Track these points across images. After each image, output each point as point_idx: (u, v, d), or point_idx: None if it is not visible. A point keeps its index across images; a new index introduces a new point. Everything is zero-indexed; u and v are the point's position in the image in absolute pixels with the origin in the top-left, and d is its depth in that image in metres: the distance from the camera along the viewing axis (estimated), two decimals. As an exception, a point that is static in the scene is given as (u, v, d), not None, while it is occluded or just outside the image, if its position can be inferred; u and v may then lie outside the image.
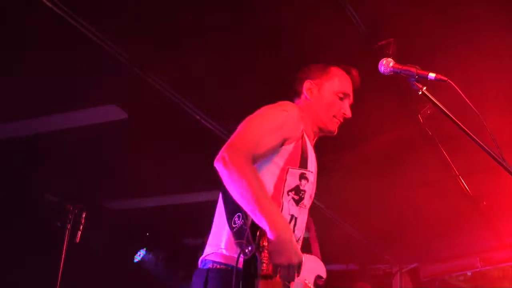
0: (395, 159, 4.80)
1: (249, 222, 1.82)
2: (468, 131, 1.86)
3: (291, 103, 2.26)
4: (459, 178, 5.08)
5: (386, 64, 2.05)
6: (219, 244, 2.03)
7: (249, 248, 1.74)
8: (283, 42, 3.43)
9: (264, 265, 1.72)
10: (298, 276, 1.85)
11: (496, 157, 1.85)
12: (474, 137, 1.86)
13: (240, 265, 1.74)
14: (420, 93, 1.94)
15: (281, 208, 2.06)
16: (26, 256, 5.59)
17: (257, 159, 2.00)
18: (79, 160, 5.11)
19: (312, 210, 5.62)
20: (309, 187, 2.20)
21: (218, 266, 1.98)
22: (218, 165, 1.93)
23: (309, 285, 2.15)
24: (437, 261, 7.26)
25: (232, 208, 1.93)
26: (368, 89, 3.81)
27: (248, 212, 1.83)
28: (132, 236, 6.92)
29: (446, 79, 1.87)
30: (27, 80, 3.83)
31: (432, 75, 1.91)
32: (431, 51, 3.38)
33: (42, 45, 3.43)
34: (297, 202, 2.14)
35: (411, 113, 4.03)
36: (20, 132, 4.55)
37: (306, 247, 2.30)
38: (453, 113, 1.89)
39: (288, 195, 2.10)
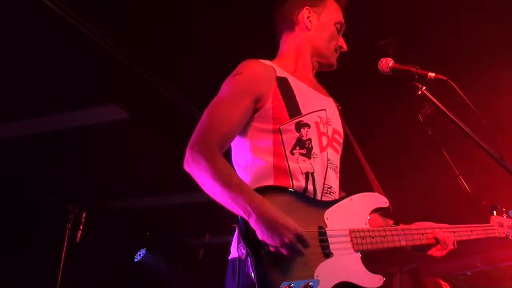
0: (395, 159, 4.80)
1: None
2: (468, 131, 1.86)
3: (246, 61, 1.92)
4: (459, 178, 5.08)
5: (386, 64, 2.05)
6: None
7: (241, 245, 1.61)
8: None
9: (258, 258, 1.56)
10: (306, 247, 1.59)
11: (496, 157, 1.85)
12: (474, 137, 1.86)
13: (245, 263, 1.59)
14: (419, 92, 1.94)
15: (289, 173, 1.81)
16: (26, 256, 5.59)
17: (229, 139, 1.83)
18: (79, 160, 5.12)
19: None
20: (313, 132, 1.91)
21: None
22: (185, 168, 1.80)
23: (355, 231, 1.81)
24: (437, 261, 7.25)
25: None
26: (368, 89, 3.84)
27: (221, 203, 1.71)
28: (132, 236, 6.93)
29: (445, 78, 1.87)
30: (27, 80, 3.83)
31: (431, 74, 1.91)
32: (431, 51, 3.38)
33: (42, 45, 3.43)
34: (307, 155, 1.87)
35: (411, 113, 4.03)
36: (20, 132, 4.55)
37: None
38: (453, 113, 1.89)
39: (293, 154, 1.84)
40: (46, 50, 3.48)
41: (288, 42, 2.10)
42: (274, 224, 1.57)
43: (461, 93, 1.86)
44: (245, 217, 1.61)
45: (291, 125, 1.86)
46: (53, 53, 3.51)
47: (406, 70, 1.98)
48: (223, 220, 6.68)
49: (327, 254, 1.67)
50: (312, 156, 1.89)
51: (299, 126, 1.88)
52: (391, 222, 2.08)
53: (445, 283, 5.97)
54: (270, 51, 2.10)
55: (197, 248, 6.20)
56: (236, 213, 1.66)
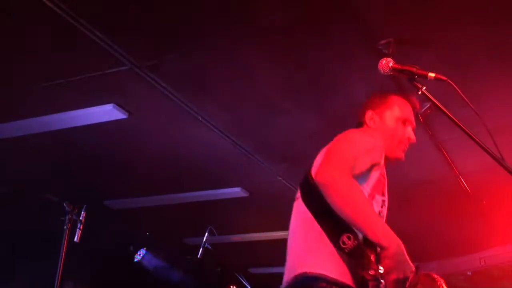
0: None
1: (361, 241, 1.87)
2: (468, 131, 1.86)
3: (377, 131, 2.31)
4: (459, 178, 5.08)
5: (386, 64, 2.05)
6: (320, 265, 1.96)
7: (372, 271, 1.80)
8: (280, 43, 3.42)
9: (384, 283, 1.79)
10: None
11: (496, 157, 1.85)
12: (473, 136, 1.86)
13: (364, 285, 1.81)
14: (420, 93, 1.94)
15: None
16: (26, 255, 5.60)
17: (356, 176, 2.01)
18: (79, 160, 5.12)
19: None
20: (385, 215, 2.20)
21: (327, 286, 1.91)
22: (323, 182, 1.90)
23: None
24: (437, 260, 7.26)
25: (337, 229, 1.92)
26: (368, 89, 3.83)
27: (359, 228, 1.85)
28: (132, 236, 6.93)
29: (445, 79, 1.88)
30: (27, 80, 3.83)
31: (431, 74, 1.91)
32: (430, 50, 3.38)
33: (42, 45, 3.44)
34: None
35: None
36: (20, 132, 4.55)
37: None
38: (453, 112, 1.89)
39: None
40: (46, 50, 3.48)
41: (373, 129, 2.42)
42: (404, 258, 1.82)
43: (460, 93, 1.86)
44: (384, 245, 1.80)
45: (380, 199, 2.16)
46: (53, 53, 3.51)
47: (406, 70, 1.98)
48: (223, 220, 6.69)
49: None
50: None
51: (383, 204, 2.19)
52: None
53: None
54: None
55: (197, 249, 6.21)
56: (371, 239, 1.83)
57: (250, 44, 3.42)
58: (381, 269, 1.78)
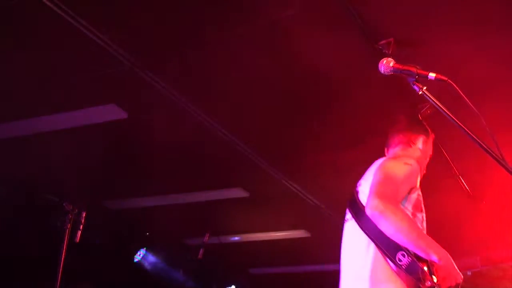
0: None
1: (414, 256, 2.18)
2: (468, 131, 1.86)
3: (411, 156, 2.67)
4: (459, 178, 5.08)
5: (387, 64, 2.04)
6: (385, 283, 2.28)
7: (428, 282, 2.11)
8: (279, 43, 3.42)
9: None
10: None
11: (496, 157, 1.85)
12: (474, 136, 1.86)
13: None
14: (420, 93, 1.93)
15: None
16: (26, 256, 5.59)
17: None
18: (79, 160, 5.11)
19: (313, 210, 5.64)
20: (425, 228, 2.51)
21: None
22: (374, 213, 2.25)
23: None
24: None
25: (392, 248, 2.25)
26: (368, 89, 3.84)
27: (412, 248, 2.18)
28: (132, 236, 6.92)
29: (446, 79, 1.87)
30: (27, 80, 3.83)
31: (432, 75, 1.90)
32: (430, 50, 3.38)
33: (42, 45, 3.44)
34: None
35: (411, 112, 4.03)
36: (20, 132, 4.55)
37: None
38: (453, 113, 1.89)
39: None
40: (46, 50, 3.48)
41: (409, 153, 2.77)
42: (453, 266, 2.18)
43: (461, 93, 1.86)
44: (435, 259, 2.15)
45: (420, 217, 2.49)
46: (53, 52, 3.51)
47: (407, 70, 1.97)
48: (223, 221, 6.69)
49: None
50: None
51: (423, 221, 2.52)
52: None
53: None
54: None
55: (197, 249, 6.22)
56: (423, 256, 2.18)
57: (251, 44, 3.42)
58: (436, 280, 2.10)
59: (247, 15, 3.19)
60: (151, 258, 7.11)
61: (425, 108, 3.90)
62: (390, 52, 3.27)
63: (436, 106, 1.91)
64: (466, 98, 1.86)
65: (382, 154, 4.99)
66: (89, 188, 5.67)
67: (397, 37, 3.29)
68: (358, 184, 2.66)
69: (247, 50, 3.49)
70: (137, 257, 7.02)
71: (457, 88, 1.85)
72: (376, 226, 2.26)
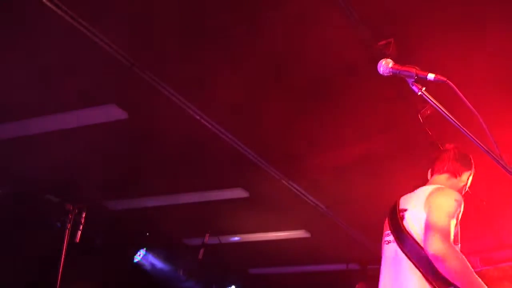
0: (395, 159, 4.80)
1: None
2: (468, 132, 1.86)
3: (456, 188, 2.91)
4: (459, 178, 5.07)
5: (386, 65, 2.04)
6: None
7: None
8: (279, 43, 3.42)
9: None
10: None
11: (495, 157, 1.85)
12: (473, 137, 1.86)
13: None
14: (419, 93, 1.93)
15: None
16: (26, 256, 5.59)
17: None
18: (79, 160, 5.11)
19: (313, 210, 5.65)
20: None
21: None
22: (436, 256, 2.45)
23: None
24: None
25: (441, 281, 2.47)
26: (368, 89, 3.84)
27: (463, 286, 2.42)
28: (132, 236, 6.92)
29: (445, 79, 1.87)
30: (27, 80, 3.83)
31: (431, 75, 1.90)
32: (430, 51, 3.38)
33: (42, 45, 3.44)
34: None
35: (411, 113, 4.03)
36: (20, 132, 4.55)
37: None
38: (452, 113, 1.89)
39: None
40: (46, 50, 3.48)
41: (453, 183, 2.97)
42: None
43: (460, 93, 1.86)
44: None
45: (458, 247, 2.68)
46: (53, 52, 3.50)
47: (406, 70, 1.97)
48: (223, 221, 6.68)
49: None
50: None
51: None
52: None
53: None
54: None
55: (197, 249, 6.21)
56: None
57: (251, 44, 3.42)
58: None
59: (247, 15, 3.19)
60: (151, 258, 7.10)
61: (424, 108, 3.90)
62: (390, 52, 3.27)
63: (435, 106, 1.91)
64: (464, 99, 1.86)
65: (382, 154, 5.01)
66: (89, 188, 5.67)
67: (397, 37, 3.29)
68: (403, 208, 2.82)
69: (247, 50, 3.49)
70: (137, 257, 7.02)
71: (456, 89, 1.85)
72: (420, 253, 2.54)
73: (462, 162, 3.00)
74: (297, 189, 5.50)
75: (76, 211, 4.54)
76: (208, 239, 6.09)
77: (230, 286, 8.08)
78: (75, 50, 3.48)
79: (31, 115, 4.32)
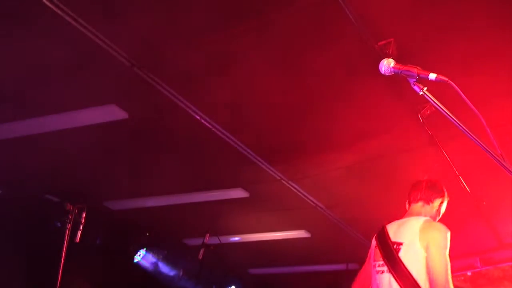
0: (395, 159, 4.81)
1: None
2: (468, 131, 1.86)
3: (432, 215, 3.36)
4: (459, 178, 5.08)
5: (387, 65, 2.04)
6: None
7: None
8: (279, 43, 3.42)
9: None
10: None
11: (496, 157, 1.85)
12: (474, 137, 1.86)
13: None
14: (420, 93, 1.93)
15: None
16: (26, 256, 5.59)
17: None
18: (79, 160, 5.11)
19: (312, 210, 5.67)
20: None
21: None
22: None
23: None
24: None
25: None
26: (368, 89, 3.84)
27: None
28: (132, 236, 6.93)
29: (446, 79, 1.87)
30: (27, 80, 3.83)
31: (433, 75, 1.90)
32: (430, 51, 3.38)
33: (42, 45, 3.43)
34: None
35: (411, 113, 4.03)
36: (20, 132, 4.55)
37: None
38: (453, 113, 1.89)
39: None
40: (46, 50, 3.48)
41: (427, 210, 3.38)
42: None
43: (461, 93, 1.86)
44: None
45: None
46: (53, 52, 3.50)
47: (408, 70, 1.97)
48: (223, 221, 6.67)
49: None
50: None
51: None
52: None
53: None
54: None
55: (197, 249, 6.21)
56: None
57: (250, 44, 3.42)
58: None
59: (246, 15, 3.19)
60: (151, 258, 7.10)
61: (425, 108, 3.91)
62: (390, 52, 3.27)
63: (437, 106, 1.91)
64: (466, 99, 1.86)
65: (382, 154, 5.01)
66: (89, 188, 5.67)
67: (397, 37, 3.29)
68: (397, 241, 3.09)
69: (246, 50, 3.49)
70: (137, 257, 7.02)
71: (457, 88, 1.85)
72: (416, 284, 2.84)
73: (433, 190, 3.39)
74: (297, 189, 5.50)
75: (76, 211, 4.54)
76: (208, 239, 6.08)
77: (230, 286, 8.08)
78: (75, 50, 3.48)
79: (31, 115, 4.31)
